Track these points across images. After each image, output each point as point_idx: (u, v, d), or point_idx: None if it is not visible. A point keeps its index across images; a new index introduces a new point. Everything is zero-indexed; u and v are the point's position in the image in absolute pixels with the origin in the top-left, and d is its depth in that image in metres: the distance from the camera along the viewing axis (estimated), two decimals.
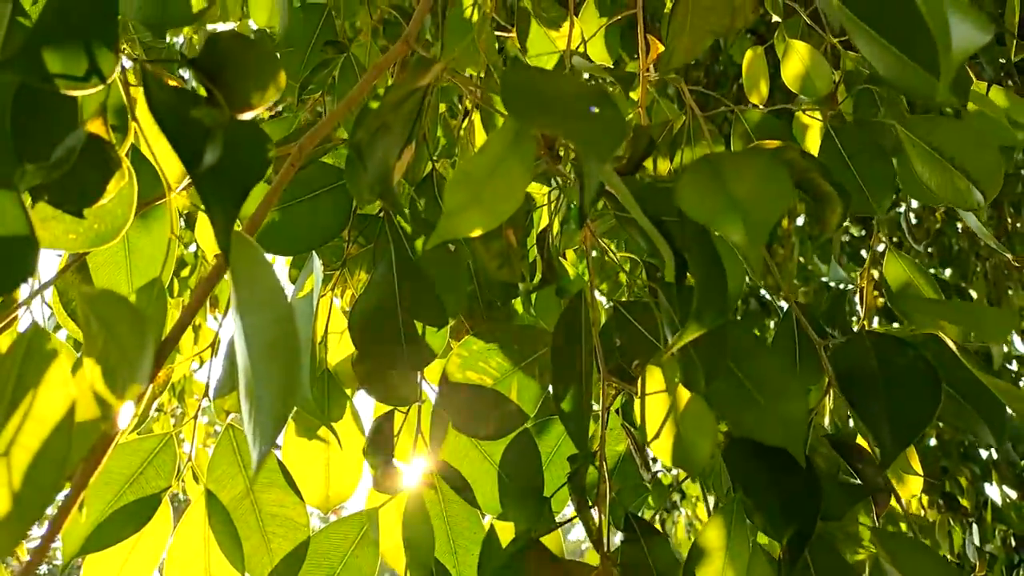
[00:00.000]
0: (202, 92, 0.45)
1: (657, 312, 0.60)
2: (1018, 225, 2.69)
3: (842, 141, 0.86)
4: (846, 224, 2.83)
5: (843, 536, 0.64)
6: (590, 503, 0.68)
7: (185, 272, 1.79)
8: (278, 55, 1.00)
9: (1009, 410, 0.62)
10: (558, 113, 0.38)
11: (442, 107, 1.32)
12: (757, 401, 0.54)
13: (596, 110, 0.40)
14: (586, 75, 1.13)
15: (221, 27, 1.58)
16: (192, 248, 1.88)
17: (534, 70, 0.42)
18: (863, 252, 2.92)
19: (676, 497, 2.92)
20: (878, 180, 0.83)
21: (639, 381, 0.62)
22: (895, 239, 2.74)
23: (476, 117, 1.18)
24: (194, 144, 0.37)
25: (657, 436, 0.60)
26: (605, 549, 0.67)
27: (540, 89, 0.40)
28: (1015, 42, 1.27)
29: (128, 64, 0.52)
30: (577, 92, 0.40)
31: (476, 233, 0.42)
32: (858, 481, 0.67)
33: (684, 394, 0.59)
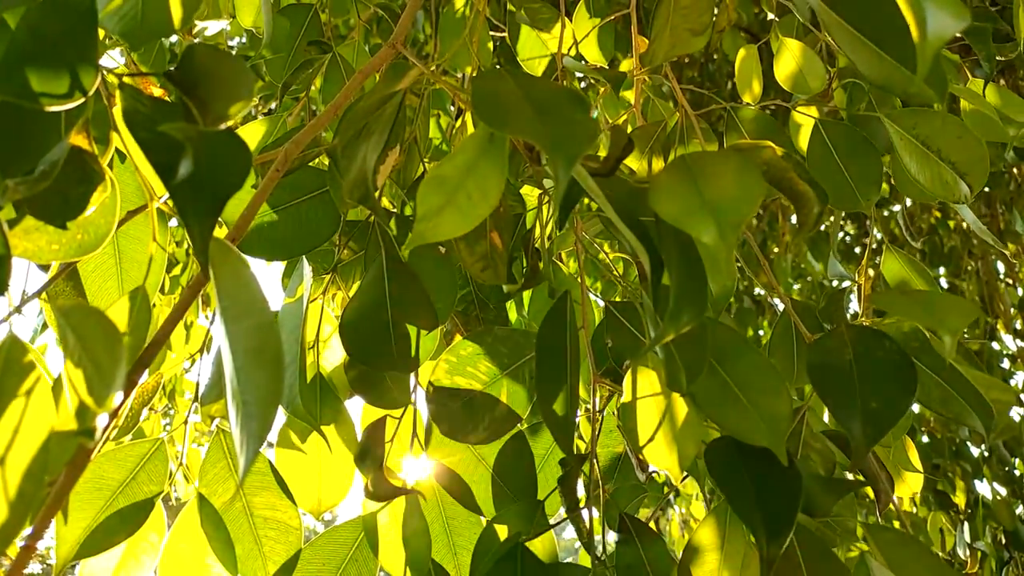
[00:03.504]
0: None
1: (642, 312, 0.61)
2: (1011, 222, 2.69)
3: (830, 136, 0.87)
4: (842, 221, 2.84)
5: (838, 531, 0.64)
6: (582, 504, 0.68)
7: (176, 270, 1.79)
8: (262, 60, 1.00)
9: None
10: (527, 117, 0.38)
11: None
12: (740, 400, 0.54)
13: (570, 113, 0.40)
14: (579, 75, 1.13)
15: (212, 24, 1.58)
16: (184, 246, 1.89)
17: (506, 74, 0.43)
18: (857, 250, 2.92)
19: (671, 494, 2.91)
20: (865, 175, 0.84)
21: (625, 382, 0.62)
22: (888, 237, 2.74)
23: (468, 118, 1.18)
24: (168, 156, 0.37)
25: (652, 439, 0.60)
26: (600, 551, 0.68)
27: (509, 93, 0.40)
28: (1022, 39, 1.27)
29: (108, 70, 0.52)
30: (547, 96, 0.41)
31: (451, 236, 0.42)
32: (849, 475, 0.67)
33: (670, 395, 0.59)
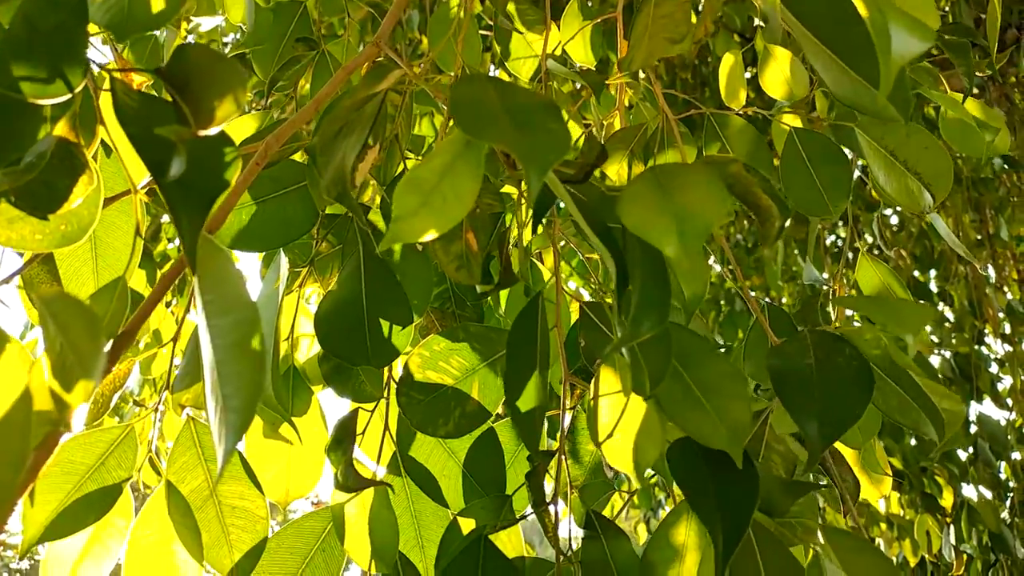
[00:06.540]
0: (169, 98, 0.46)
1: (611, 315, 0.62)
2: (999, 228, 2.74)
3: (804, 145, 0.88)
4: (832, 224, 2.87)
5: (798, 531, 0.66)
6: (548, 501, 0.69)
7: (168, 267, 1.78)
8: (247, 54, 1.00)
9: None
10: (503, 126, 0.39)
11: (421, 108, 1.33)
12: (703, 405, 0.56)
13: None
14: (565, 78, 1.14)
15: (205, 20, 1.58)
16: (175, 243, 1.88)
17: (486, 81, 0.44)
18: (851, 256, 2.95)
19: (662, 495, 2.93)
20: (835, 183, 0.86)
21: (592, 382, 0.64)
22: (880, 240, 2.78)
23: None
24: (160, 154, 0.38)
25: (609, 436, 0.62)
26: (568, 548, 0.69)
27: (488, 102, 0.41)
28: (995, 52, 1.29)
29: (95, 68, 0.53)
30: (524, 105, 0.42)
31: (427, 237, 0.43)
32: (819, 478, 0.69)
33: (634, 397, 0.60)
